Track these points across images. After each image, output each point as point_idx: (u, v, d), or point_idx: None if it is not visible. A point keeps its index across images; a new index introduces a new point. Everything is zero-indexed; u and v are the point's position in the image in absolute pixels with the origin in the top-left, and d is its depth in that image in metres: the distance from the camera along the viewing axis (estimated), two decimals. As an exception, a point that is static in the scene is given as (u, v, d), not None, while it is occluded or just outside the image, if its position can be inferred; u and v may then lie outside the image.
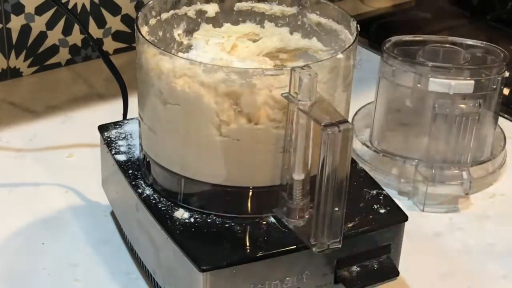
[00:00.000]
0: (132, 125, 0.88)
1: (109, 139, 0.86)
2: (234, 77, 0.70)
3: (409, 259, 0.81)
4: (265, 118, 0.72)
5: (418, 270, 0.85)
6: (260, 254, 0.71)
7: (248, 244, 0.73)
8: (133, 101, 0.93)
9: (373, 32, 1.32)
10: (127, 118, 0.96)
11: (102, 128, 0.88)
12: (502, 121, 1.12)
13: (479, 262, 0.88)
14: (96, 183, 0.92)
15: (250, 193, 0.75)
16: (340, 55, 0.73)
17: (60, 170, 0.99)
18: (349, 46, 0.74)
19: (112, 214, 0.91)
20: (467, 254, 0.89)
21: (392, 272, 0.78)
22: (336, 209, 0.69)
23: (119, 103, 0.98)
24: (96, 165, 0.91)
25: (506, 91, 1.16)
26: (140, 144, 0.81)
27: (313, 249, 0.71)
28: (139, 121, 0.80)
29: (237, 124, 0.72)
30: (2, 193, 0.95)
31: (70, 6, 1.16)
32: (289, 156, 0.73)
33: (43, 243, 0.88)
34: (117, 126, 0.88)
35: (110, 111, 1.07)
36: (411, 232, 0.81)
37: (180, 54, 0.80)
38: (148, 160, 0.79)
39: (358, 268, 0.76)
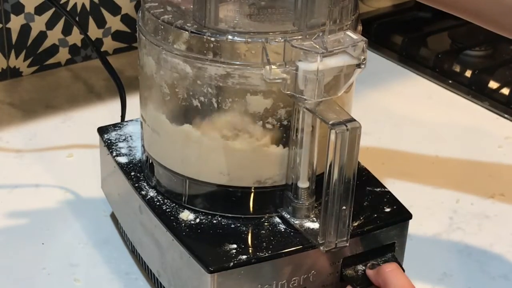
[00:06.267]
0: (131, 127, 0.87)
1: (109, 141, 0.85)
2: (238, 77, 0.70)
3: (409, 259, 0.81)
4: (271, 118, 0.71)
5: (418, 270, 0.85)
6: (267, 254, 0.71)
7: (255, 244, 0.72)
8: (132, 101, 0.93)
9: (373, 32, 1.32)
10: (126, 119, 0.95)
11: (102, 130, 0.87)
12: (502, 121, 1.12)
13: (479, 262, 0.88)
14: (96, 183, 0.91)
15: (255, 193, 0.74)
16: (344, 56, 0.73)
17: (59, 170, 0.99)
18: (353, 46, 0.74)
19: (112, 214, 0.91)
20: (467, 254, 0.89)
21: None
22: (344, 207, 0.69)
23: (119, 103, 0.98)
24: (96, 165, 0.91)
25: (506, 91, 1.16)
26: (142, 146, 0.80)
27: (321, 248, 0.71)
28: (141, 123, 0.80)
29: (242, 123, 0.72)
30: (2, 193, 0.95)
31: (69, 6, 1.16)
32: (295, 155, 0.72)
33: (43, 243, 0.87)
34: (117, 127, 0.88)
35: (110, 111, 1.06)
36: (411, 232, 0.81)
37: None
38: (151, 161, 0.79)
39: (363, 267, 0.75)
